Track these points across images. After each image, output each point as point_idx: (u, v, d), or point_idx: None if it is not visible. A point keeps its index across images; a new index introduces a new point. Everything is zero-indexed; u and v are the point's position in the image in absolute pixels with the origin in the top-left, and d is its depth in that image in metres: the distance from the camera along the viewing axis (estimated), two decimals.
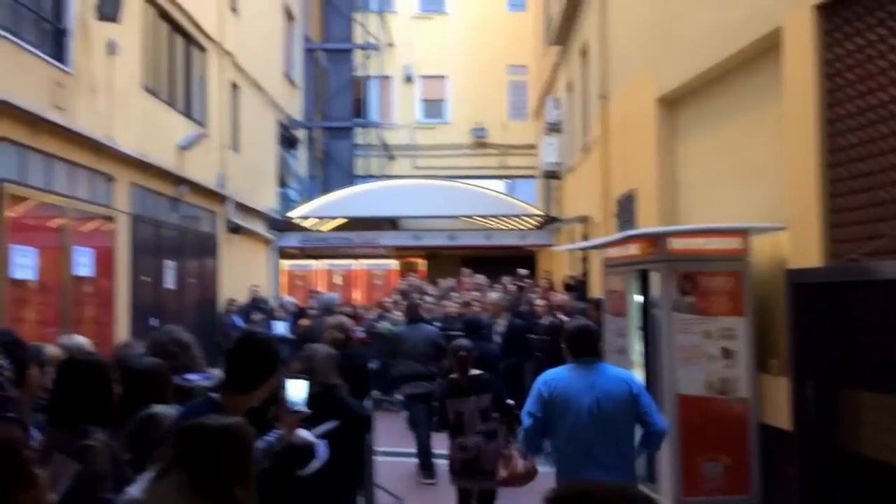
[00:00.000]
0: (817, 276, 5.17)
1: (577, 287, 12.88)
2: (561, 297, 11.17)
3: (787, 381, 5.66)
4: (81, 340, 4.38)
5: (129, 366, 3.78)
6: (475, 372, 6.04)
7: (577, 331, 4.75)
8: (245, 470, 2.59)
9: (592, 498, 1.30)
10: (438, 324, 10.84)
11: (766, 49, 6.37)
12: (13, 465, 1.82)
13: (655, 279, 6.72)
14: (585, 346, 4.63)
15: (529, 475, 5.55)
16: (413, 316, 9.79)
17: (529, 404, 4.56)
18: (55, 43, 9.62)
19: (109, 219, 10.77)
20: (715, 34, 7.17)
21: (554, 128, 17.38)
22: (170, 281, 12.94)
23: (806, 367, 5.20)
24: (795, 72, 5.67)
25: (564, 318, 10.07)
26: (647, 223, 8.94)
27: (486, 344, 8.61)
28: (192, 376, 3.93)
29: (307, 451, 3.67)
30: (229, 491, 2.49)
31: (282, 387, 3.64)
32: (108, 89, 10.54)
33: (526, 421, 4.55)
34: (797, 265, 5.57)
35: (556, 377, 4.57)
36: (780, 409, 5.88)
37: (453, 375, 6.07)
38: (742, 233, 6.51)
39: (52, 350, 3.95)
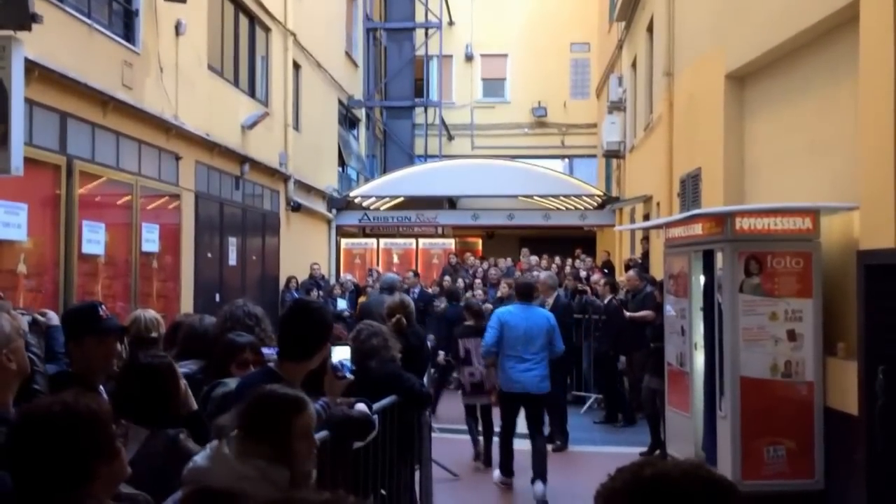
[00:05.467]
0: (891, 258, 5.00)
1: (638, 268, 12.70)
2: (629, 274, 11.03)
3: (855, 364, 5.52)
4: (153, 314, 4.42)
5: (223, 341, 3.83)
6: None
7: (522, 284, 7.87)
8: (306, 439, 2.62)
9: (669, 478, 1.28)
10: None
11: (842, 23, 6.15)
12: (98, 436, 1.87)
13: (720, 260, 6.59)
14: (525, 294, 7.50)
15: None
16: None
17: (491, 324, 7.25)
18: (125, 23, 9.84)
19: (176, 196, 11.02)
20: (789, 8, 6.94)
21: (616, 106, 17.10)
22: (233, 258, 13.21)
23: (876, 351, 5.06)
24: (873, 46, 5.45)
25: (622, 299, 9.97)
26: (713, 203, 8.75)
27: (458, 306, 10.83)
28: (266, 350, 3.91)
29: (366, 423, 3.70)
30: (291, 459, 2.53)
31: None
32: (174, 69, 10.74)
33: (489, 335, 7.21)
34: (869, 246, 5.39)
35: (509, 311, 7.37)
36: (847, 394, 5.73)
37: (467, 322, 8.41)
38: (812, 212, 6.33)
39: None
